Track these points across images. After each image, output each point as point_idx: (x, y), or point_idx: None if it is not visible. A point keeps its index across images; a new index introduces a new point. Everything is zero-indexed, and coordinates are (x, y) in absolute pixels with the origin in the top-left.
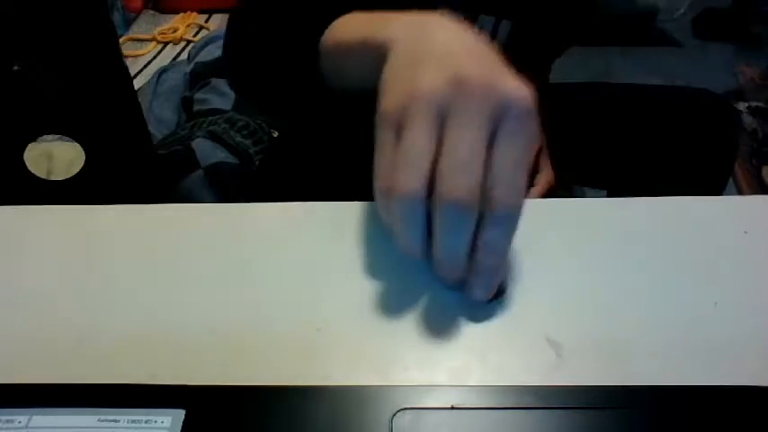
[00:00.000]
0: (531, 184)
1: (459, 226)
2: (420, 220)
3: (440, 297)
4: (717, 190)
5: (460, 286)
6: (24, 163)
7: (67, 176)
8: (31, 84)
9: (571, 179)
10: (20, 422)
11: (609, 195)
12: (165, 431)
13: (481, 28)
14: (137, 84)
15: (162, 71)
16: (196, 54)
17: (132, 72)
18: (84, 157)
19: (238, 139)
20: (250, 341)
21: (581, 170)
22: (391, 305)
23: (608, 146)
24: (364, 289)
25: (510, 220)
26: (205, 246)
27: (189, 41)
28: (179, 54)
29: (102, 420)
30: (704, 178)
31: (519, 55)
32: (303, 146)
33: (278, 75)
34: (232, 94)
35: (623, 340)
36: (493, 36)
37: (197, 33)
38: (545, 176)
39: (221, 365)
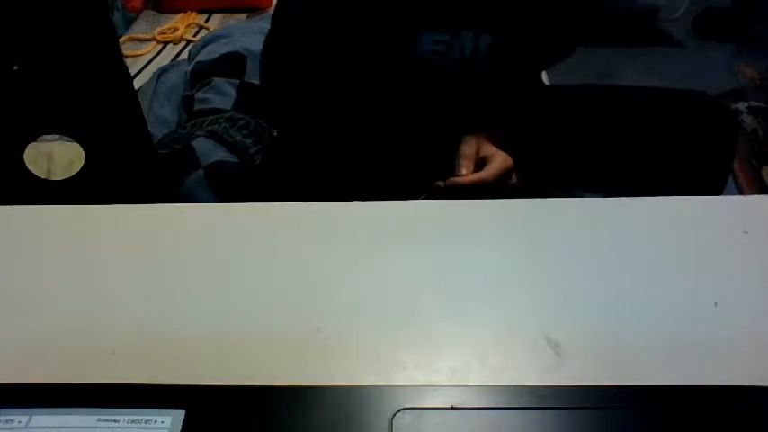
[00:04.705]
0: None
1: None
2: None
3: (440, 298)
4: (716, 191)
5: None
6: (24, 163)
7: (67, 176)
8: (31, 84)
9: (570, 182)
10: (20, 422)
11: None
12: (165, 431)
13: (462, 43)
14: (137, 84)
15: (162, 71)
16: (196, 54)
17: (132, 72)
18: (84, 157)
19: (239, 138)
20: (250, 341)
21: (580, 173)
22: (391, 305)
23: (606, 149)
24: (364, 289)
25: None
26: (205, 246)
27: (189, 41)
28: (179, 54)
29: (102, 420)
30: (703, 181)
31: (502, 65)
32: (303, 146)
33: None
34: (232, 94)
35: (623, 340)
36: (475, 50)
37: (197, 33)
38: (499, 160)
39: (221, 365)
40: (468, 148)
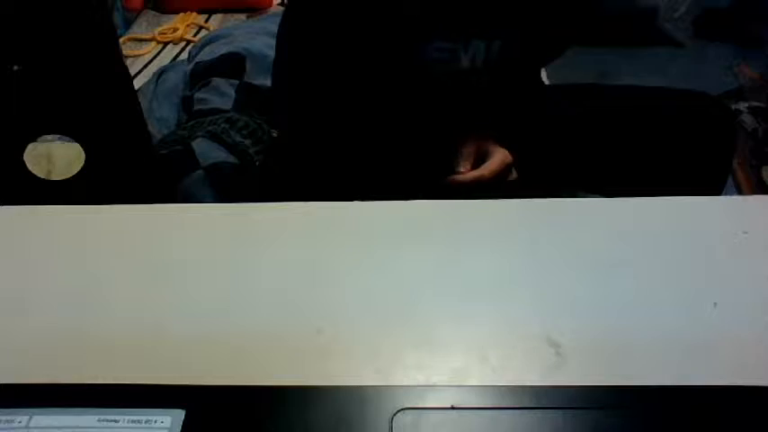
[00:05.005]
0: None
1: None
2: None
3: (440, 298)
4: (716, 191)
5: None
6: (24, 163)
7: (67, 176)
8: (31, 84)
9: (570, 182)
10: (20, 422)
11: None
12: (165, 431)
13: (474, 52)
14: (137, 84)
15: (162, 71)
16: (196, 54)
17: (132, 72)
18: (84, 157)
19: (238, 138)
20: (250, 341)
21: (579, 173)
22: (391, 305)
23: (606, 148)
24: (364, 289)
25: None
26: (205, 246)
27: (189, 41)
28: (179, 54)
29: (102, 420)
30: (703, 181)
31: (508, 68)
32: (304, 146)
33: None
34: (232, 94)
35: (623, 340)
36: (486, 58)
37: (197, 33)
38: (498, 156)
39: (221, 365)
40: (468, 145)
